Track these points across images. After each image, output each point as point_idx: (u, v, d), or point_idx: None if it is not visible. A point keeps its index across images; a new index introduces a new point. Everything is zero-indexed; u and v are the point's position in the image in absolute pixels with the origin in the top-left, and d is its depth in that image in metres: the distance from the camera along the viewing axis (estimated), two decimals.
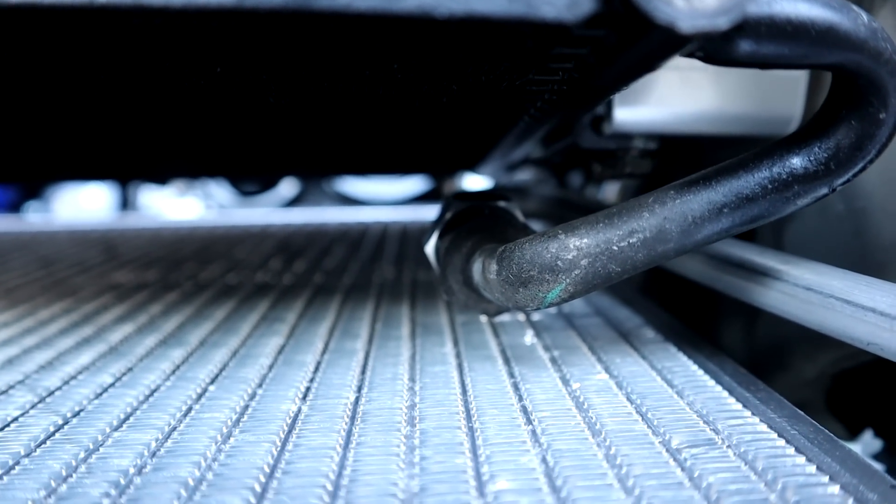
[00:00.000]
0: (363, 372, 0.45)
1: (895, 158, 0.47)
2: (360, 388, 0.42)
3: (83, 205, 1.71)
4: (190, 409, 0.40)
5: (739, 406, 0.39)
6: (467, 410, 0.39)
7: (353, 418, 0.38)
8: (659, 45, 0.28)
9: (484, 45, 0.29)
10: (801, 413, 0.38)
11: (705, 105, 0.52)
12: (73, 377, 0.46)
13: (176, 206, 1.80)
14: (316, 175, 1.66)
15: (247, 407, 0.40)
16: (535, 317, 0.57)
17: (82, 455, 0.34)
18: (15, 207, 1.75)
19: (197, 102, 0.52)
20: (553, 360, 0.46)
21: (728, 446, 0.34)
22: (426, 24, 0.26)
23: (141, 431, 0.37)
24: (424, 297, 0.65)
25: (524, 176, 1.12)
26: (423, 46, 0.31)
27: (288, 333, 0.54)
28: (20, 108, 0.56)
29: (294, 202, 1.83)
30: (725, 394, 0.40)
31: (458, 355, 0.48)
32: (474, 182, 1.51)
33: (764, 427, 0.36)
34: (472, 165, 0.92)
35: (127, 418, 0.39)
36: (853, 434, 0.54)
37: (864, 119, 0.33)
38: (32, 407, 0.41)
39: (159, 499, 0.30)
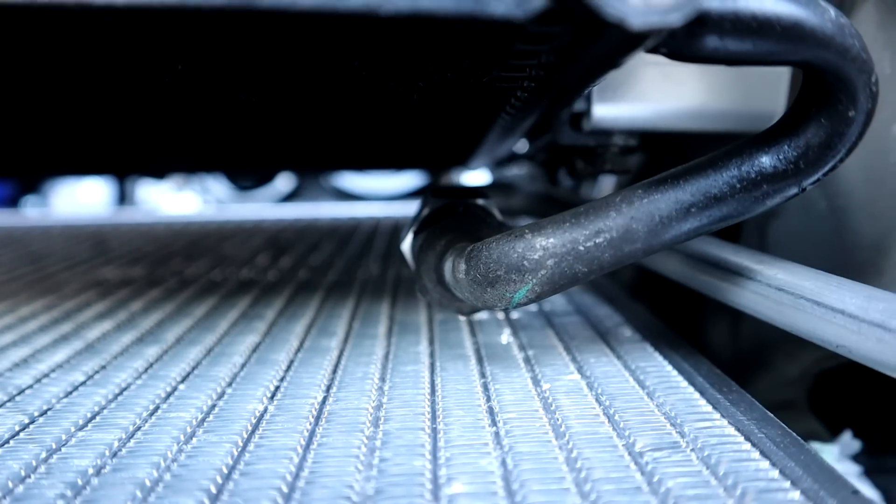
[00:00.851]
0: (335, 371, 0.45)
1: (876, 158, 0.47)
2: (329, 388, 0.42)
3: (81, 199, 1.72)
4: (157, 408, 0.40)
5: (710, 408, 0.38)
6: (433, 411, 0.38)
7: (317, 419, 0.38)
8: (616, 42, 0.27)
9: (440, 42, 0.29)
10: (771, 415, 0.37)
11: (686, 101, 0.51)
12: (46, 375, 0.45)
13: (173, 200, 1.80)
14: (311, 170, 1.66)
15: (213, 406, 0.40)
16: (514, 315, 0.56)
17: (44, 455, 0.34)
18: (13, 202, 1.76)
19: (185, 99, 0.52)
20: (527, 360, 0.46)
21: (692, 450, 0.33)
22: (377, 21, 0.25)
23: (105, 431, 0.37)
24: (406, 294, 0.64)
25: (518, 171, 1.11)
26: (378, 44, 0.30)
27: (265, 331, 0.54)
28: (16, 103, 0.56)
29: (291, 197, 1.83)
30: (697, 395, 0.40)
31: (431, 354, 0.48)
32: (470, 178, 1.50)
33: (731, 430, 0.35)
34: (463, 161, 0.91)
35: (93, 417, 0.39)
36: (834, 434, 0.53)
37: (834, 117, 0.33)
38: (1, 406, 0.41)
39: (114, 500, 0.30)
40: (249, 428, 0.37)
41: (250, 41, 0.30)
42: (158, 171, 1.48)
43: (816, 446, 0.51)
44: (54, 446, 0.35)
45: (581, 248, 0.36)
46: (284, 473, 0.32)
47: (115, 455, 0.34)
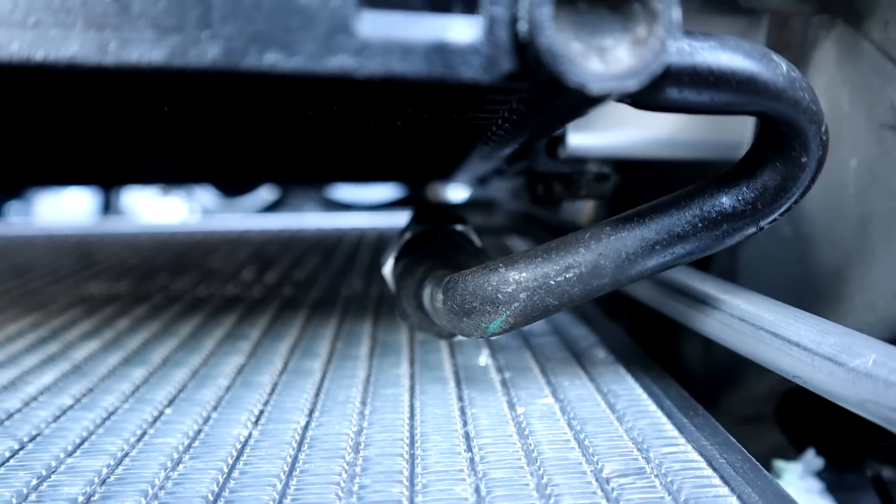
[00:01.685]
0: (317, 394, 0.46)
1: (836, 189, 0.49)
2: (311, 412, 0.43)
3: (65, 207, 1.72)
4: (144, 433, 0.41)
5: (675, 433, 0.40)
6: (412, 436, 0.40)
7: (300, 444, 0.39)
8: (578, 100, 0.29)
9: (413, 95, 0.31)
10: (733, 440, 0.39)
11: (657, 131, 0.53)
12: (34, 398, 0.47)
13: (159, 207, 1.80)
14: (297, 182, 1.67)
15: (199, 431, 0.41)
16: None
17: (34, 482, 0.36)
18: None
19: (172, 122, 0.53)
20: (503, 383, 0.48)
21: (656, 475, 0.35)
22: (353, 82, 0.27)
23: (94, 458, 0.38)
24: (388, 312, 0.66)
25: (503, 186, 1.13)
26: (355, 97, 0.32)
27: (250, 352, 0.55)
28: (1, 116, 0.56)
29: (277, 204, 1.84)
30: (664, 419, 0.42)
31: (411, 377, 0.49)
32: (453, 192, 1.52)
33: (695, 455, 0.37)
34: (445, 177, 0.93)
35: (81, 443, 0.40)
36: (799, 450, 0.55)
37: (788, 162, 0.35)
38: None
39: None
40: (234, 454, 0.38)
41: (235, 92, 0.31)
42: (144, 182, 1.48)
43: (781, 464, 0.53)
44: (44, 473, 0.37)
45: (552, 282, 0.37)
46: (268, 501, 0.33)
47: (103, 482, 0.35)
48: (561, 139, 0.53)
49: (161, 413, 0.44)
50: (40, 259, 0.99)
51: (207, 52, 0.26)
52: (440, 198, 1.62)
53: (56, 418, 0.43)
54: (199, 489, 0.34)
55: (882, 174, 0.46)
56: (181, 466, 0.37)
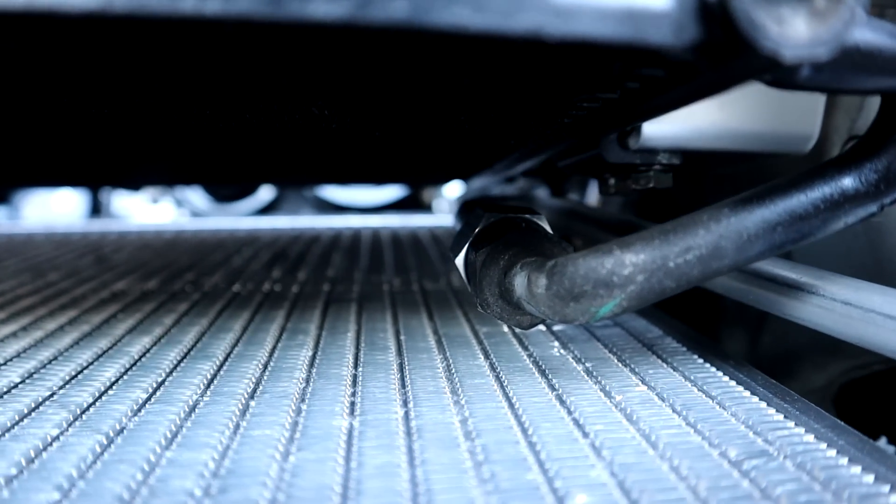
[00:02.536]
0: (403, 386, 0.45)
1: None
2: (406, 402, 0.42)
3: (53, 208, 1.66)
4: (238, 426, 0.39)
5: (781, 417, 0.40)
6: (521, 424, 0.39)
7: (409, 434, 0.38)
8: (743, 70, 0.28)
9: (568, 66, 0.30)
10: (843, 423, 0.39)
11: (728, 122, 0.53)
12: (104, 392, 0.44)
13: (149, 211, 1.75)
14: (297, 184, 1.65)
15: (296, 423, 0.39)
16: (556, 327, 0.57)
17: (140, 476, 0.34)
18: None
19: (173, 113, 0.51)
20: (588, 372, 0.47)
21: (784, 457, 0.35)
22: (538, 44, 0.26)
23: (194, 450, 0.36)
24: (438, 306, 0.65)
25: (512, 186, 1.13)
26: (521, 62, 0.31)
27: (314, 345, 0.53)
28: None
29: (270, 207, 1.81)
30: (764, 405, 0.41)
31: (492, 367, 0.48)
32: (453, 192, 1.51)
33: (811, 437, 0.37)
34: (469, 175, 0.92)
35: (174, 437, 0.38)
36: None
37: None
38: (70, 426, 0.39)
39: None
40: (343, 444, 0.37)
41: (356, 60, 0.30)
42: (135, 184, 1.44)
43: None
44: (146, 468, 0.34)
45: (671, 264, 0.37)
46: (400, 491, 0.32)
47: (215, 475, 0.34)
48: (635, 129, 0.53)
49: (247, 406, 0.42)
50: (54, 258, 0.95)
51: (393, 7, 0.25)
52: (435, 200, 1.61)
53: (135, 412, 0.41)
54: (323, 480, 0.33)
55: None
56: (292, 458, 0.35)
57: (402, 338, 0.55)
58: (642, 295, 0.38)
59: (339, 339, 0.55)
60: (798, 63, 0.25)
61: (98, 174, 1.06)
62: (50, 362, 0.50)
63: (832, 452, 0.35)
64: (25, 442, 0.37)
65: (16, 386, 0.45)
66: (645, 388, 0.44)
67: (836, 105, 0.53)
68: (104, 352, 0.52)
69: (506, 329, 0.57)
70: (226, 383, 0.46)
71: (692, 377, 0.46)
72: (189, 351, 0.52)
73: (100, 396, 0.44)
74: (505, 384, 0.45)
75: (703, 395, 0.43)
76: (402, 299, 0.68)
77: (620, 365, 0.49)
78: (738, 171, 0.68)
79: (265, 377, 0.47)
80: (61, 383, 0.46)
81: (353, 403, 0.42)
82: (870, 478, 0.33)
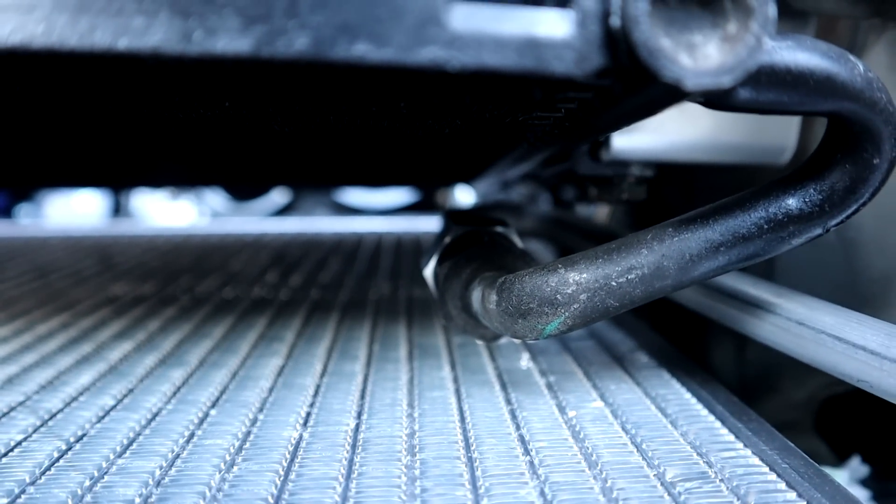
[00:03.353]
0: (362, 397, 0.46)
1: (886, 194, 0.48)
2: (359, 415, 0.43)
3: (75, 209, 1.71)
4: (192, 434, 0.40)
5: (732, 437, 0.39)
6: (466, 439, 0.39)
7: (354, 446, 0.38)
8: (663, 95, 0.29)
9: (492, 91, 0.30)
10: (792, 445, 0.38)
11: (701, 134, 0.53)
12: (75, 398, 0.46)
13: (169, 210, 1.79)
14: (313, 186, 1.67)
15: (248, 433, 0.40)
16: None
17: (87, 483, 0.35)
18: (6, 211, 1.74)
19: (196, 124, 0.53)
20: (549, 386, 0.47)
21: (721, 480, 0.35)
22: (443, 76, 0.26)
23: (145, 459, 0.37)
24: (420, 315, 0.65)
25: (518, 190, 1.13)
26: (430, 91, 0.32)
27: (287, 354, 0.54)
28: (12, 118, 0.56)
29: (288, 208, 1.84)
30: (718, 424, 0.41)
31: (455, 379, 0.48)
32: (465, 195, 1.52)
33: (756, 460, 0.37)
34: (469, 180, 0.93)
35: (130, 444, 0.39)
36: (840, 458, 0.55)
37: (859, 164, 0.34)
38: (35, 431, 0.41)
39: None
40: (288, 456, 0.37)
41: (313, 86, 0.31)
42: (155, 184, 1.48)
43: (826, 471, 0.53)
44: (96, 474, 0.36)
45: (613, 283, 0.37)
46: None
47: (158, 484, 0.35)
48: (605, 142, 0.53)
49: (206, 414, 0.43)
50: (60, 260, 0.98)
51: (295, 43, 0.25)
52: (451, 203, 1.61)
53: (100, 419, 0.43)
54: (258, 491, 0.34)
55: None
56: (235, 468, 0.36)
57: (375, 347, 0.56)
58: (586, 313, 0.38)
59: (314, 348, 0.56)
60: (699, 91, 0.25)
61: (117, 176, 1.09)
62: (31, 367, 0.52)
63: (772, 476, 0.35)
64: None
65: None
66: (601, 403, 0.44)
67: (814, 117, 0.53)
68: (85, 357, 0.54)
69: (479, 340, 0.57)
70: (192, 391, 0.47)
71: (653, 393, 0.46)
72: (165, 357, 0.54)
73: (70, 402, 0.45)
74: (462, 397, 0.45)
75: (659, 413, 0.43)
76: (386, 307, 0.69)
77: (584, 379, 0.49)
78: (728, 178, 0.67)
79: (231, 386, 0.48)
80: (37, 388, 0.48)
81: (308, 414, 0.43)
82: None
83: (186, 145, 0.70)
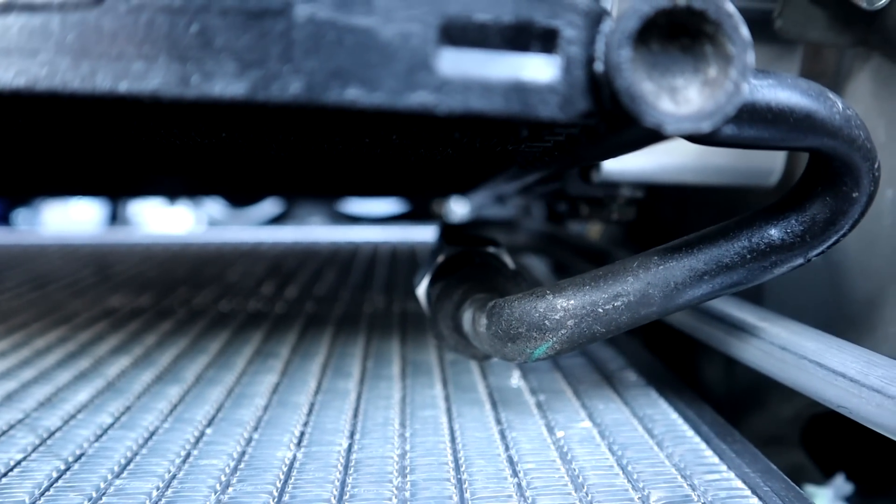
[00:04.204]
0: (355, 416, 0.46)
1: (871, 219, 0.49)
2: (352, 434, 0.44)
3: (73, 215, 1.71)
4: (189, 454, 0.41)
5: (716, 459, 0.40)
6: (456, 461, 0.40)
7: (346, 468, 0.39)
8: (645, 136, 0.29)
9: (480, 130, 0.31)
10: (775, 468, 0.39)
11: (690, 157, 0.54)
12: (73, 416, 0.47)
13: (166, 217, 1.80)
14: (310, 196, 1.68)
15: (243, 453, 0.41)
16: None
17: None
18: (3, 218, 1.75)
19: (194, 147, 0.54)
20: (539, 406, 0.48)
21: (703, 503, 0.36)
22: (431, 119, 0.27)
23: (142, 479, 0.38)
24: (413, 330, 0.66)
25: (513, 202, 1.14)
26: (421, 128, 0.32)
27: (282, 370, 0.55)
28: (11, 131, 0.56)
29: (284, 216, 1.85)
30: (703, 445, 0.42)
31: (447, 398, 0.49)
32: (461, 205, 1.52)
33: (739, 483, 0.38)
34: (463, 193, 0.93)
35: (128, 464, 0.40)
36: (827, 475, 0.56)
37: (839, 197, 0.35)
38: (34, 450, 0.42)
39: None
40: (282, 477, 0.38)
41: (305, 123, 0.32)
42: (153, 194, 1.48)
43: (810, 489, 0.54)
44: (94, 495, 0.37)
45: (600, 310, 0.38)
46: None
47: None
48: (595, 164, 0.53)
49: (202, 433, 0.44)
50: (58, 270, 0.99)
51: (289, 87, 0.26)
52: (446, 212, 1.62)
53: (98, 437, 0.43)
54: None
55: None
56: (230, 490, 0.37)
57: (369, 363, 0.57)
58: (573, 339, 0.39)
59: (308, 364, 0.57)
60: (680, 135, 0.26)
61: (114, 185, 1.10)
62: (30, 383, 0.53)
63: (754, 500, 0.36)
64: None
65: None
66: (589, 424, 0.45)
67: None
68: (82, 373, 0.55)
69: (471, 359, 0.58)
70: (188, 409, 0.48)
71: (640, 413, 0.47)
72: (162, 374, 0.55)
73: (68, 420, 0.46)
74: (453, 416, 0.46)
75: (645, 434, 0.44)
76: (380, 322, 0.70)
77: (573, 398, 0.50)
78: (720, 198, 0.68)
79: (227, 403, 0.49)
80: (35, 405, 0.48)
81: (302, 434, 0.44)
82: None
83: (185, 160, 0.71)
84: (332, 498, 0.36)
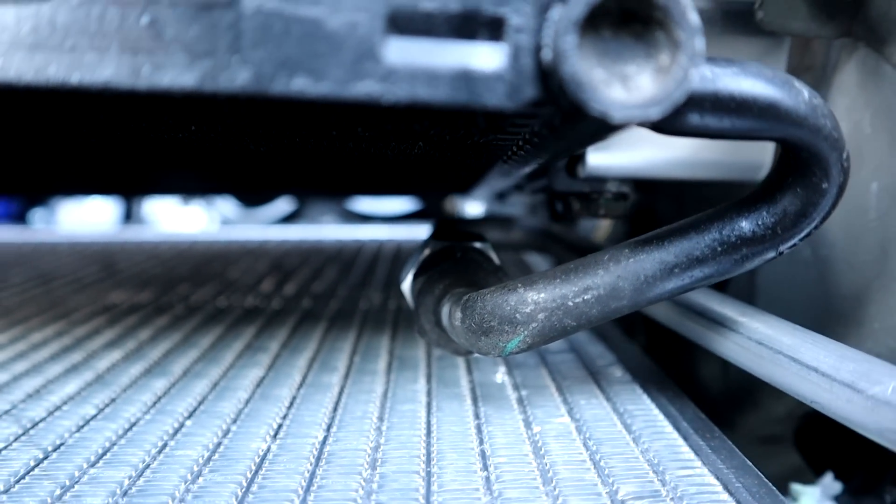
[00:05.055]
0: (335, 409, 0.47)
1: (857, 213, 0.49)
2: (329, 427, 0.44)
3: (88, 214, 1.74)
4: (165, 445, 0.42)
5: (692, 455, 0.40)
6: (428, 454, 0.40)
7: (318, 460, 0.40)
8: (599, 126, 0.29)
9: (437, 119, 0.31)
10: (749, 464, 0.39)
11: (677, 151, 0.53)
12: (58, 408, 0.47)
13: (180, 216, 1.82)
14: (317, 195, 1.69)
15: (219, 444, 0.42)
16: None
17: (58, 492, 0.36)
18: (20, 216, 1.79)
19: (199, 142, 0.54)
20: (519, 401, 0.48)
21: (672, 499, 0.35)
22: (379, 108, 0.27)
23: (116, 468, 0.39)
24: (406, 326, 0.66)
25: (516, 200, 1.13)
26: (379, 119, 0.33)
27: (269, 364, 0.56)
28: (25, 128, 0.58)
29: (296, 214, 1.86)
30: (681, 441, 0.42)
31: (428, 393, 0.49)
32: (469, 205, 1.53)
33: (711, 479, 0.37)
34: (464, 192, 0.94)
35: (104, 454, 0.41)
36: (818, 473, 0.55)
37: (809, 188, 0.35)
38: (16, 440, 0.42)
39: None
40: (253, 468, 0.39)
41: (263, 114, 0.32)
42: (166, 192, 1.50)
43: (798, 487, 0.53)
44: (68, 483, 0.37)
45: (570, 303, 0.38)
46: None
47: (125, 494, 0.36)
48: (581, 158, 0.53)
49: (182, 425, 0.44)
50: (65, 267, 1.01)
51: (237, 78, 0.26)
52: (458, 211, 1.63)
53: (79, 428, 0.44)
54: (218, 503, 0.35)
55: None
56: (201, 480, 0.37)
57: (356, 358, 0.57)
58: (544, 332, 0.39)
59: (296, 359, 0.57)
60: (628, 123, 0.26)
61: (127, 184, 1.11)
62: (21, 376, 0.54)
63: (724, 496, 0.36)
64: None
65: None
66: (568, 419, 0.45)
67: None
68: (74, 366, 0.56)
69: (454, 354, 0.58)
70: (171, 401, 0.48)
71: (621, 409, 0.46)
72: (150, 367, 0.55)
73: (53, 411, 0.47)
74: (432, 411, 0.46)
75: (623, 429, 0.43)
76: (374, 318, 0.70)
77: (556, 393, 0.49)
78: (716, 191, 0.68)
79: (210, 396, 0.49)
80: (23, 397, 0.49)
81: (280, 426, 0.44)
82: None
83: (194, 157, 0.72)
84: (300, 489, 0.36)
